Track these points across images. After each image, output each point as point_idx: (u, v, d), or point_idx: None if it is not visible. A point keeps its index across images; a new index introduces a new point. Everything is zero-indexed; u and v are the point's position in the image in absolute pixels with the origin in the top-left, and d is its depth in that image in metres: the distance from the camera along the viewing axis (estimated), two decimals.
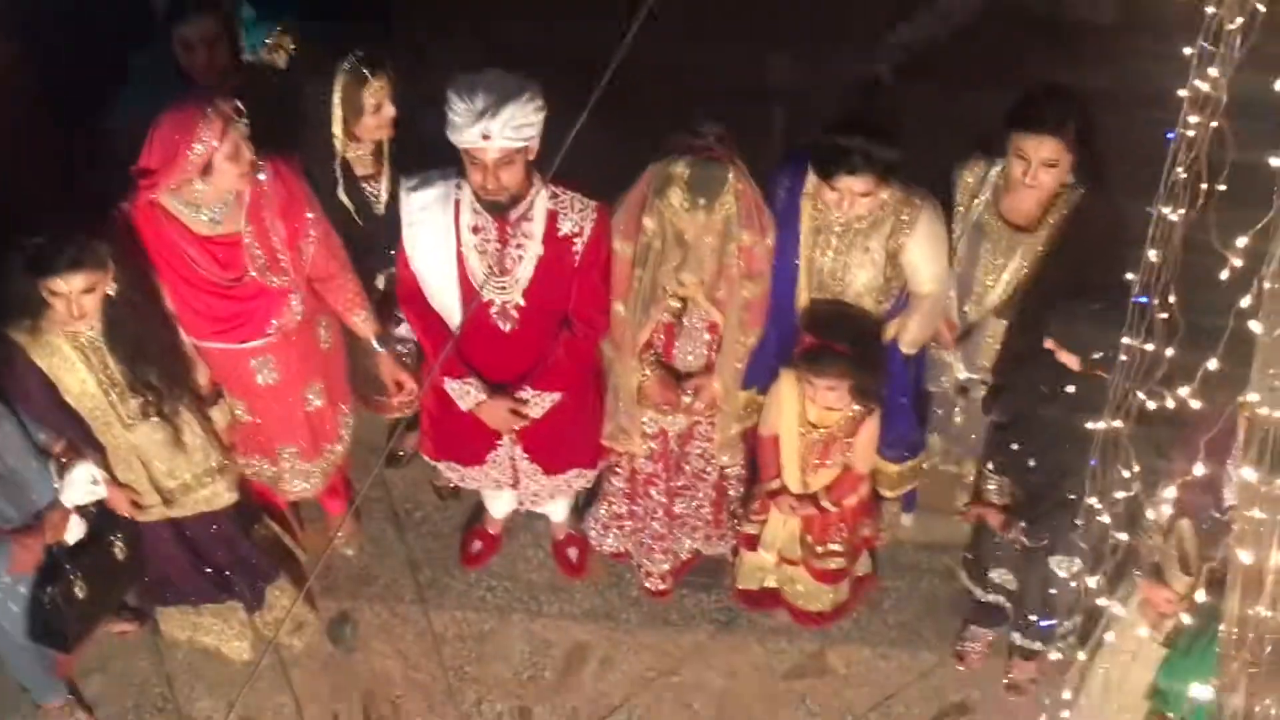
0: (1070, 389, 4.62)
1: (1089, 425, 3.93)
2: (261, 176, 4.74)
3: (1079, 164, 4.87)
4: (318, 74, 4.94)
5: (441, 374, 5.08)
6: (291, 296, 4.95)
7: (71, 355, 4.66)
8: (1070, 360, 4.62)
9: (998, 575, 5.34)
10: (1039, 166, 4.79)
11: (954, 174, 5.09)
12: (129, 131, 4.68)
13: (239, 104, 4.57)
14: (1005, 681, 5.65)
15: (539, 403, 5.11)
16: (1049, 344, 4.67)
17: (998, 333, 5.19)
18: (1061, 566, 4.99)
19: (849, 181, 4.73)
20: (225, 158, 4.57)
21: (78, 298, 4.48)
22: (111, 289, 4.57)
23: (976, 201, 5.04)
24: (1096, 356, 4.49)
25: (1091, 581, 3.96)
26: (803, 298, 5.10)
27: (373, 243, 5.12)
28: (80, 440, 4.82)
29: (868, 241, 4.93)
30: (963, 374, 5.38)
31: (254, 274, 4.83)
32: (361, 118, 4.94)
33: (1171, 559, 4.42)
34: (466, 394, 5.07)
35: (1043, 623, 5.26)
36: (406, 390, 5.31)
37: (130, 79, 5.35)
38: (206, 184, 4.63)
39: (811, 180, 4.90)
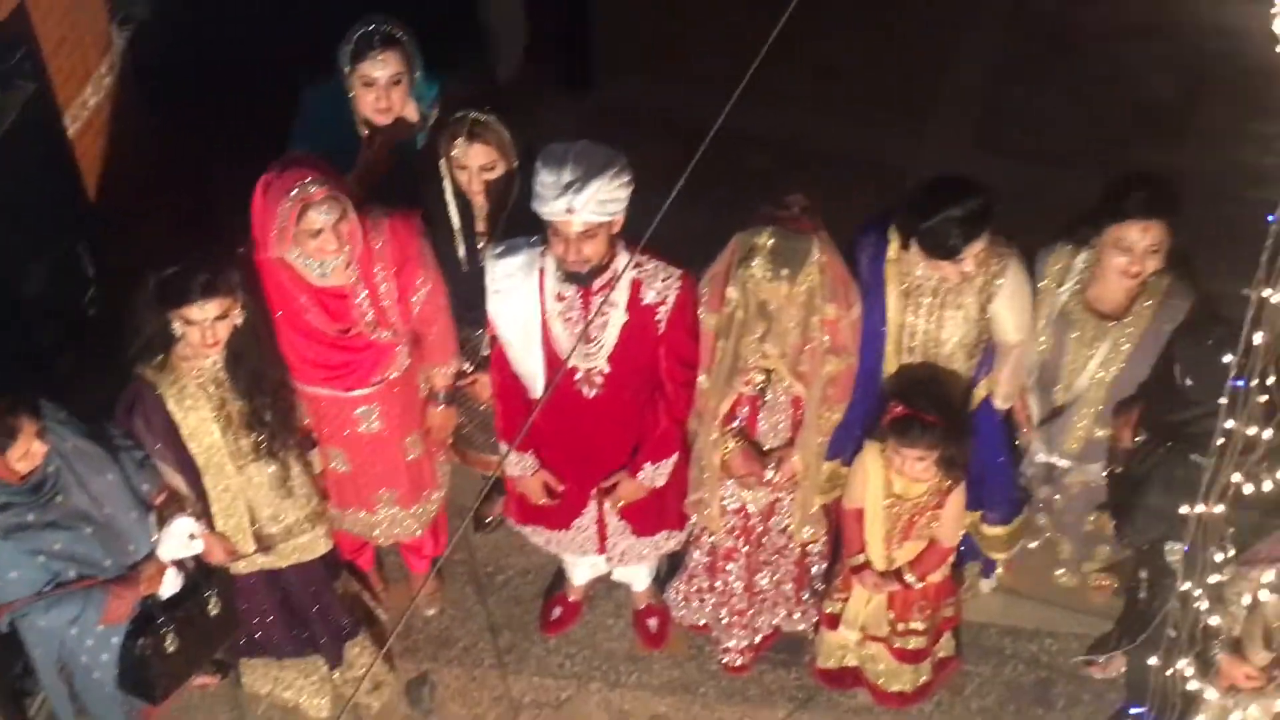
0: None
1: (1182, 510, 3.90)
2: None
3: (1171, 248, 4.83)
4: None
5: (507, 438, 5.18)
6: (398, 349, 5.03)
7: (195, 392, 4.76)
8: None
9: None
10: (1144, 253, 4.77)
11: (1038, 260, 5.05)
12: None
13: (332, 183, 4.64)
14: None
15: (662, 471, 5.14)
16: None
17: (1086, 416, 5.15)
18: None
19: (975, 248, 4.73)
20: (308, 236, 4.67)
21: (211, 325, 4.58)
22: (239, 318, 4.66)
23: (1061, 290, 5.01)
24: (1189, 383, 4.47)
25: (1184, 665, 3.92)
26: (890, 365, 5.09)
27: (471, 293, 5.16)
28: (189, 484, 4.89)
29: (961, 298, 4.91)
30: (1042, 457, 5.35)
31: (361, 328, 4.91)
32: (455, 170, 5.06)
33: (1255, 634, 4.34)
34: (519, 464, 5.15)
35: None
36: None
37: (301, 116, 5.40)
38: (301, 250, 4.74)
39: (895, 246, 4.89)
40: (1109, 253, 4.83)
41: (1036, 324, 5.05)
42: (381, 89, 5.20)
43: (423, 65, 5.32)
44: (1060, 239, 5.04)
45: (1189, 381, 4.55)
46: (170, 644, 4.94)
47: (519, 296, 4.86)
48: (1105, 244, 4.83)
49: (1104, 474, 5.23)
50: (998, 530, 5.54)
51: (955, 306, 4.94)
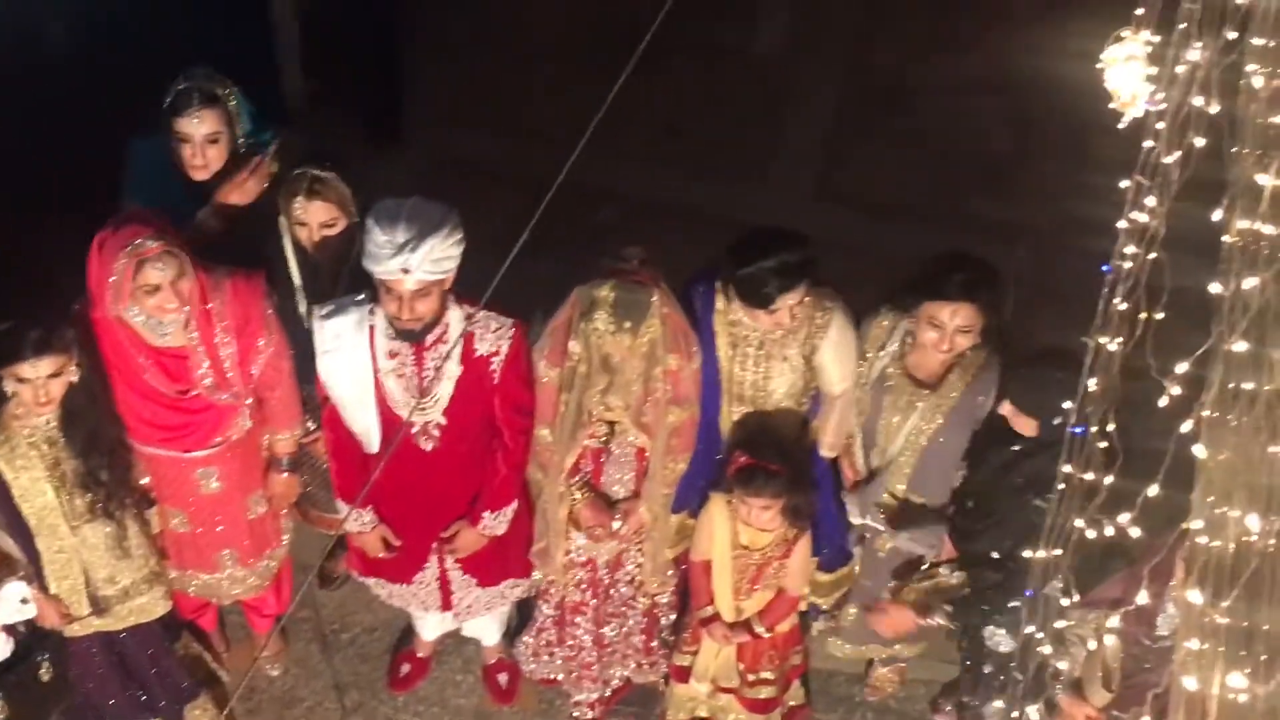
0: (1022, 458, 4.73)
1: (1026, 554, 3.97)
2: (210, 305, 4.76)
3: (985, 327, 4.91)
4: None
5: (343, 495, 5.13)
6: (240, 411, 4.95)
7: (27, 451, 4.64)
8: (1027, 426, 4.68)
9: None
10: (954, 333, 4.84)
11: (862, 325, 5.11)
12: None
13: (169, 239, 4.56)
14: None
15: (502, 519, 5.11)
16: (1005, 409, 4.72)
17: (899, 484, 5.19)
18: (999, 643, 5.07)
19: (787, 299, 4.78)
20: (145, 293, 4.59)
21: (44, 383, 4.48)
22: (74, 376, 4.56)
23: (882, 354, 5.08)
24: (1056, 422, 4.49)
25: (1032, 712, 3.98)
26: (726, 415, 5.13)
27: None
28: (21, 546, 4.75)
29: (785, 350, 4.99)
30: (856, 519, 5.37)
31: (200, 390, 4.82)
32: (294, 227, 5.03)
33: (1094, 676, 4.42)
34: (357, 520, 5.10)
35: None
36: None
37: (129, 169, 5.31)
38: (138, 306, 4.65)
39: (722, 299, 4.96)
40: (922, 325, 4.91)
41: (859, 382, 5.12)
42: (197, 146, 5.14)
43: (251, 116, 5.27)
44: (883, 305, 5.11)
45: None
46: (1, 711, 4.80)
47: (350, 355, 4.82)
48: (920, 316, 4.91)
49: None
50: (823, 576, 5.54)
51: (781, 358, 5.01)
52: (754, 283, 4.78)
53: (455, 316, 4.77)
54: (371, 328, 4.79)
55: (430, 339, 4.76)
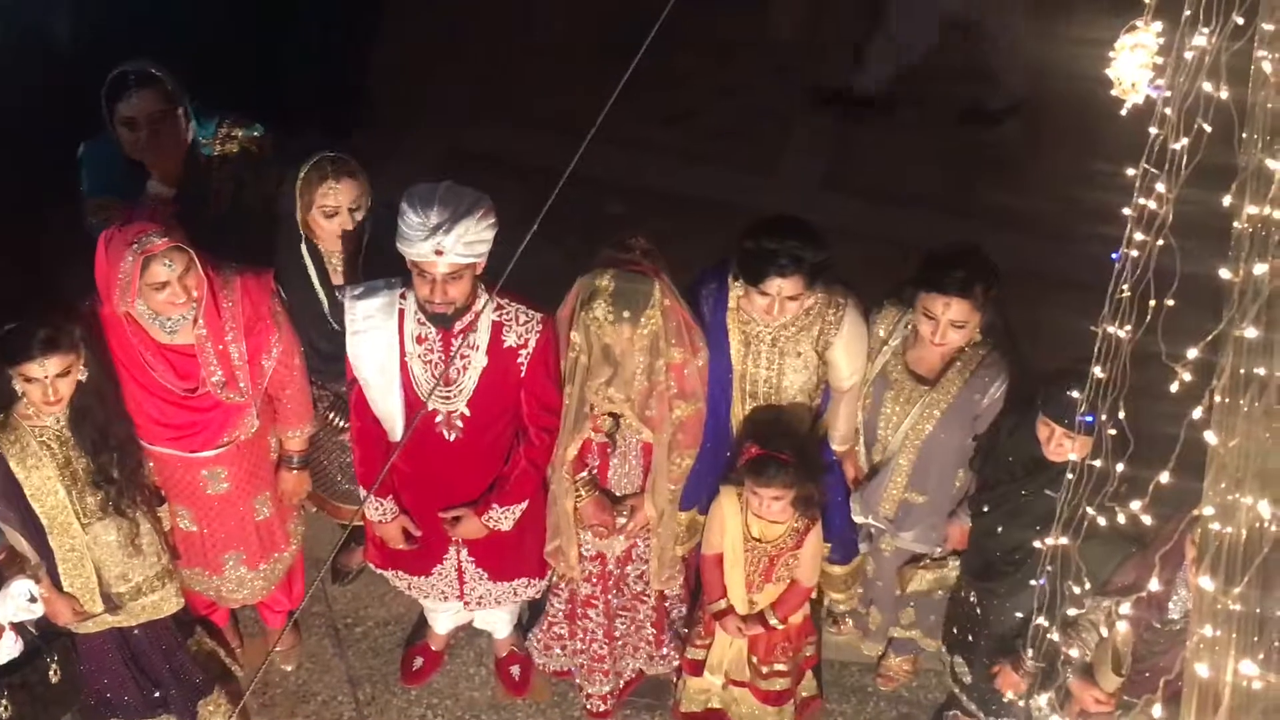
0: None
1: (1035, 544, 3.96)
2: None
3: (989, 324, 4.90)
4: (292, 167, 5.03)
5: (365, 483, 5.12)
6: (248, 411, 4.94)
7: (38, 450, 4.64)
8: (1066, 451, 4.52)
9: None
10: (946, 326, 4.82)
11: (870, 319, 5.10)
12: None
13: (175, 235, 4.56)
14: None
15: (509, 516, 5.08)
16: (1044, 430, 4.65)
17: (899, 478, 5.18)
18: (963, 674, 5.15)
19: (779, 284, 4.76)
20: (154, 290, 4.60)
21: (53, 382, 4.49)
22: (83, 374, 4.57)
23: (885, 348, 5.07)
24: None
25: (1042, 700, 3.97)
26: (738, 412, 5.12)
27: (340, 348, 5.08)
28: (34, 544, 4.75)
29: (798, 346, 4.97)
30: (860, 517, 5.38)
31: (209, 388, 4.82)
32: (312, 214, 5.02)
33: (1105, 660, 4.41)
34: (379, 510, 5.10)
35: None
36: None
37: (84, 171, 5.33)
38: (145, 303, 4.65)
39: (734, 295, 4.94)
40: (918, 317, 4.89)
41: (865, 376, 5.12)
42: (141, 126, 5.15)
43: (192, 103, 5.29)
44: (886, 300, 5.11)
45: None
46: (3, 710, 4.80)
47: (379, 337, 4.81)
48: (917, 307, 4.90)
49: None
50: (836, 569, 5.55)
51: (794, 354, 4.99)
52: (754, 257, 4.76)
53: (486, 308, 4.75)
54: (401, 311, 4.79)
55: (459, 326, 4.75)
